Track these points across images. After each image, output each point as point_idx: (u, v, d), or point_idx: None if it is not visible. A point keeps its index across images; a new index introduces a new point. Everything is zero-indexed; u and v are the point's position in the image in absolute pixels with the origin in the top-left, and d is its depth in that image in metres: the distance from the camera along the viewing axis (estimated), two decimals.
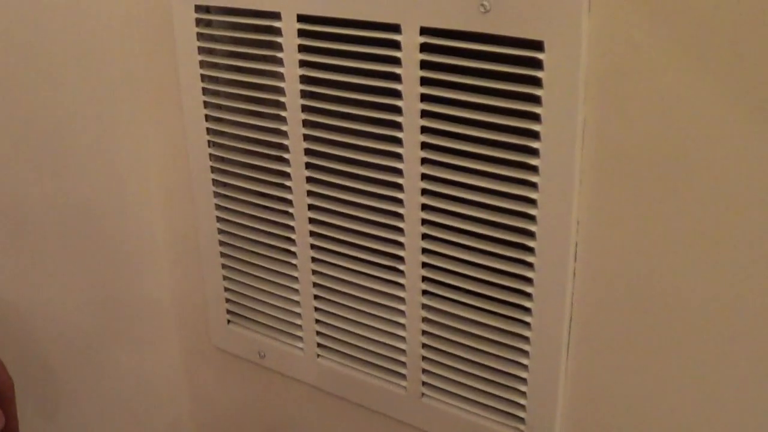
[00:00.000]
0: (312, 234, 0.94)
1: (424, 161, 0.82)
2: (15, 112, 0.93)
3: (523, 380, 0.84)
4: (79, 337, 1.07)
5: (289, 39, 0.86)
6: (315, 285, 0.97)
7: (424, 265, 0.87)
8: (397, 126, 0.82)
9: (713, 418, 0.75)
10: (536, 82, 0.72)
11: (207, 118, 0.97)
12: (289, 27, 0.85)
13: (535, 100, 0.73)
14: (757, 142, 0.65)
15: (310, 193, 0.92)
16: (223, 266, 1.05)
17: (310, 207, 0.93)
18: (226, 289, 1.07)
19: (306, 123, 0.89)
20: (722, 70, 0.64)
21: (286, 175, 0.93)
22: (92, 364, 1.09)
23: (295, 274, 0.98)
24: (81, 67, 0.97)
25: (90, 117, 1.00)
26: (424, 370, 0.91)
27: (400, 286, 0.89)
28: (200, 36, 0.93)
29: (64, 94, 0.97)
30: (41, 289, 1.02)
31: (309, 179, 0.92)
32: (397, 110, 0.81)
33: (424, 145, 0.81)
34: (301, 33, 0.85)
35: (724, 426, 0.75)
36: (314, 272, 0.96)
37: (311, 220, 0.94)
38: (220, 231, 1.03)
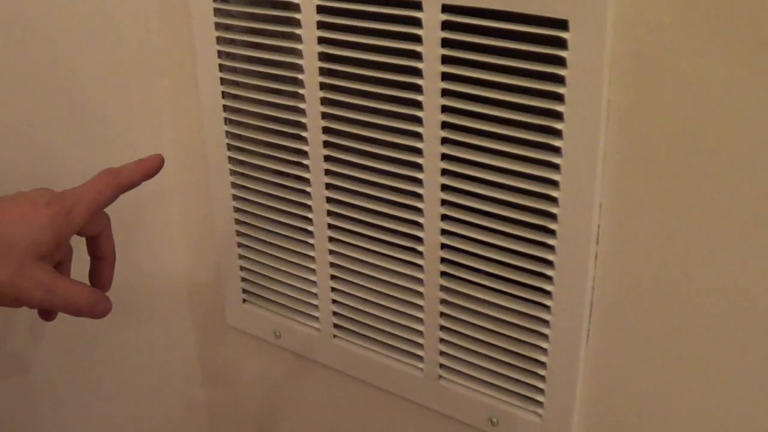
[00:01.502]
0: (329, 213, 0.93)
1: (445, 140, 0.81)
2: (28, 85, 0.92)
3: (542, 364, 0.83)
4: None
5: (308, 15, 0.84)
6: (332, 265, 0.96)
7: (443, 246, 0.85)
8: (417, 105, 0.81)
9: (735, 406, 0.74)
10: (560, 61, 0.71)
11: (224, 95, 0.96)
12: (307, 3, 0.84)
13: (559, 80, 0.71)
14: None
15: (327, 172, 0.91)
16: (239, 245, 1.04)
17: (328, 186, 0.92)
18: (242, 268, 1.06)
19: (324, 101, 0.88)
20: (751, 53, 0.63)
21: (304, 153, 0.92)
22: (104, 339, 1.09)
23: (312, 254, 0.97)
24: (95, 44, 0.96)
25: (104, 94, 0.99)
26: (441, 353, 0.91)
27: (419, 267, 0.88)
28: (217, 11, 0.92)
29: (78, 72, 0.96)
30: None
31: (327, 158, 0.90)
32: (418, 89, 0.80)
33: (445, 125, 0.80)
34: (320, 9, 0.84)
35: (746, 414, 0.74)
36: (331, 252, 0.95)
37: (329, 199, 0.92)
38: (236, 209, 1.02)
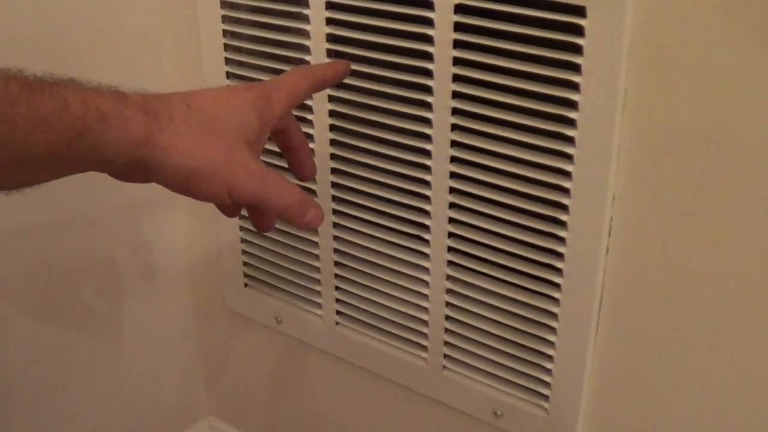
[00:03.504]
0: (334, 198, 0.92)
1: (455, 127, 0.79)
2: (29, 64, 0.90)
3: (549, 357, 0.82)
4: (93, 290, 1.05)
5: (317, 12, 0.82)
6: (336, 251, 0.94)
7: (451, 235, 0.84)
8: (428, 90, 0.79)
9: (745, 405, 0.73)
10: (576, 49, 0.69)
11: (228, 75, 0.94)
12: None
13: (575, 68, 0.69)
14: None
15: (333, 156, 0.89)
16: (242, 228, 1.03)
17: (333, 171, 0.90)
18: (244, 252, 1.04)
19: None
20: None
21: (309, 136, 0.90)
22: (104, 320, 1.08)
23: (316, 239, 0.95)
24: (100, 24, 0.95)
25: (108, 73, 0.97)
26: (446, 343, 0.89)
27: (425, 255, 0.87)
28: None
29: (82, 53, 0.94)
30: (59, 248, 1.00)
31: (332, 141, 0.89)
32: (428, 74, 0.78)
33: (455, 111, 0.78)
34: (330, 5, 0.82)
35: (757, 412, 0.73)
36: (335, 237, 0.94)
37: (334, 184, 0.91)
38: None
